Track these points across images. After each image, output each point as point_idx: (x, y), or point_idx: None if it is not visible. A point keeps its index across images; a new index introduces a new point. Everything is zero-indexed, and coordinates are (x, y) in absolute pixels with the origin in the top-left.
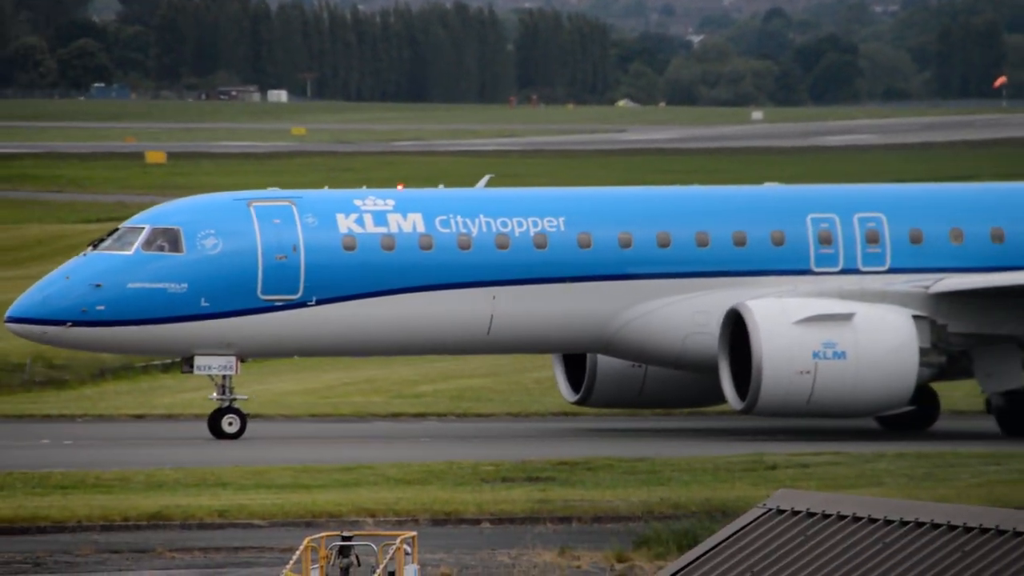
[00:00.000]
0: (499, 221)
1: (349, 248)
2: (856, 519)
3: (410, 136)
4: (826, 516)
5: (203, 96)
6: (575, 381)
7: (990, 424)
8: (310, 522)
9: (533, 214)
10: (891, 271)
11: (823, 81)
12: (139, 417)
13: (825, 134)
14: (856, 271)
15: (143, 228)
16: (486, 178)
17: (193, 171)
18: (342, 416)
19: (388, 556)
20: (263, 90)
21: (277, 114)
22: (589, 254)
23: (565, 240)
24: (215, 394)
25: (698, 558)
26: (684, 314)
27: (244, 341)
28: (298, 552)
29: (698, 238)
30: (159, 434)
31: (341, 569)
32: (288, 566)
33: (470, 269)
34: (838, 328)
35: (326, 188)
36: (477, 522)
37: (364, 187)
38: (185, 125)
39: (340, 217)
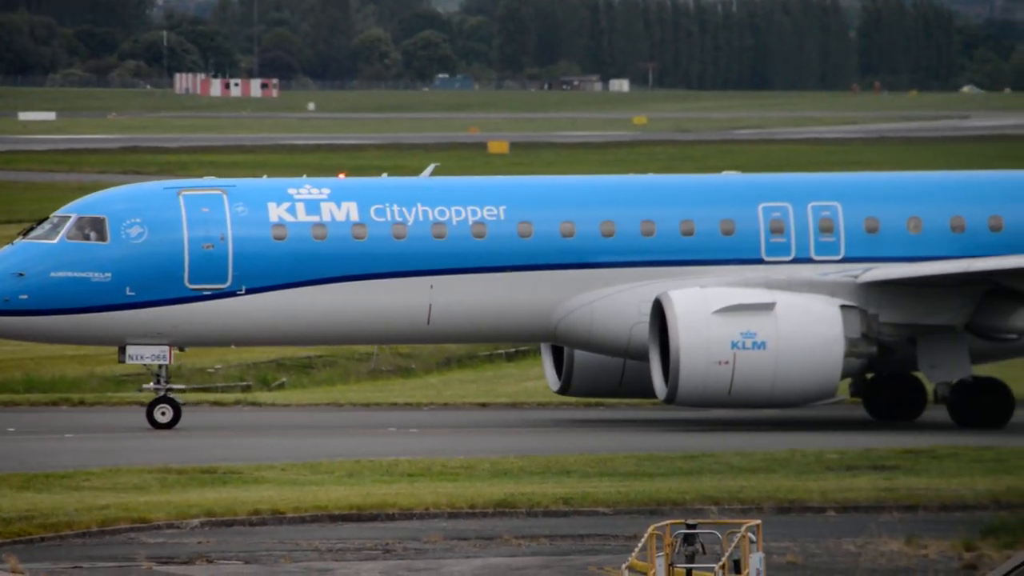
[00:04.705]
0: (436, 210)
1: (279, 238)
2: None
3: (751, 124)
4: None
5: (545, 86)
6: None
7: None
8: (654, 510)
9: (472, 203)
10: (845, 260)
11: None
12: (483, 405)
13: None
14: (809, 260)
15: (71, 216)
16: (431, 167)
17: (534, 161)
18: None
19: (733, 544)
20: (604, 79)
21: (618, 103)
22: (529, 243)
23: (504, 229)
24: (152, 383)
25: None
26: (630, 304)
27: (174, 330)
28: (643, 540)
29: (643, 227)
30: (502, 421)
31: (686, 557)
32: (634, 554)
33: (405, 258)
34: (758, 318)
35: (264, 177)
36: (822, 510)
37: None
38: (527, 115)
39: (272, 206)
